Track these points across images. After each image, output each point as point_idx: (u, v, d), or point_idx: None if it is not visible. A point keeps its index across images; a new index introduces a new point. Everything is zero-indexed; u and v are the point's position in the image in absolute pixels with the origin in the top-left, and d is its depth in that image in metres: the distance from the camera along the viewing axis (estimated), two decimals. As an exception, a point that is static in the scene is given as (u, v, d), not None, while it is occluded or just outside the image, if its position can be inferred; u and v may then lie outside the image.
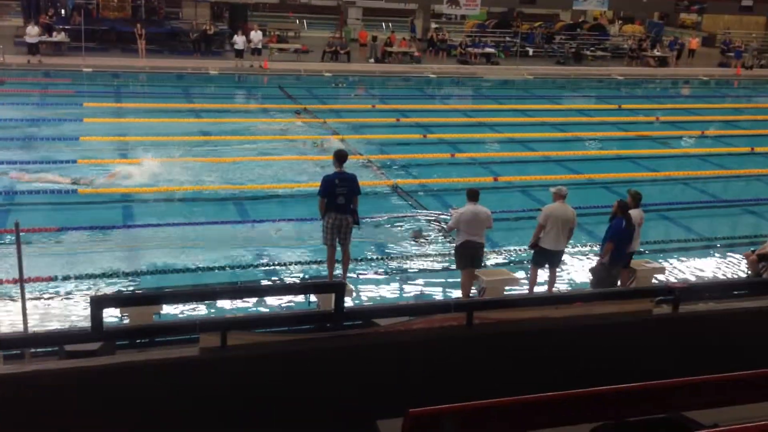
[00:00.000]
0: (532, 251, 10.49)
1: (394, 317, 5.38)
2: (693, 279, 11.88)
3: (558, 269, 10.71)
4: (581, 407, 4.47)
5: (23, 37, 27.45)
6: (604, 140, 21.78)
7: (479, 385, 4.56)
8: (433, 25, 37.18)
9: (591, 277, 10.32)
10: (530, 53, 35.79)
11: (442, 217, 13.64)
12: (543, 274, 10.62)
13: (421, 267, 11.84)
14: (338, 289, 4.84)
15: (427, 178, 16.78)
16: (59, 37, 27.77)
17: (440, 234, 13.02)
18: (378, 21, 39.55)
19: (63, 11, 30.12)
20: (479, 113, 24.54)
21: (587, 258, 12.28)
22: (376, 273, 11.50)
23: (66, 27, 28.35)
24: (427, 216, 14.03)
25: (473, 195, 10.14)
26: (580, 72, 33.52)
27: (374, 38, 32.90)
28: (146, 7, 31.03)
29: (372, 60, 31.80)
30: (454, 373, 4.84)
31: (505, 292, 10.09)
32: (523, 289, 10.59)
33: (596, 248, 11.81)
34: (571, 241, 10.77)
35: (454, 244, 10.22)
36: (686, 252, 13.19)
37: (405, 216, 14.05)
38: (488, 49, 33.96)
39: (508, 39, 36.66)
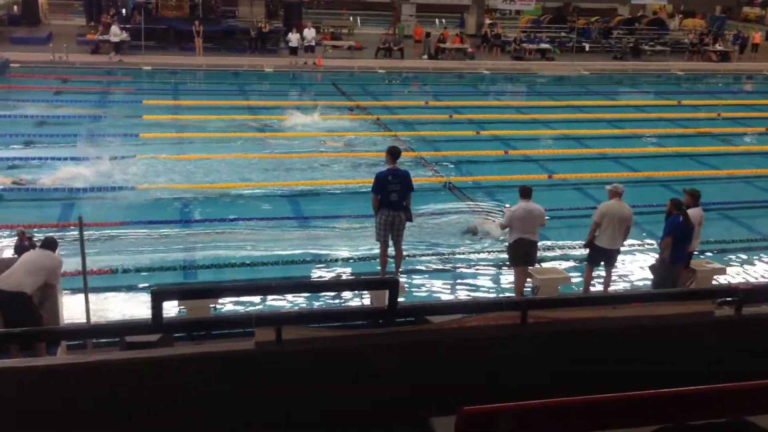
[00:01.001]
0: (587, 250, 10.33)
1: (446, 315, 5.35)
2: (755, 280, 11.53)
3: (613, 268, 10.52)
4: (639, 410, 4.38)
5: (88, 36, 28.26)
6: (662, 137, 21.31)
7: (533, 385, 4.51)
8: (487, 21, 36.89)
9: (652, 276, 10.12)
10: (586, 49, 35.20)
11: (495, 214, 13.53)
12: (594, 273, 10.46)
13: (474, 264, 11.77)
14: (392, 285, 4.84)
15: (480, 175, 16.68)
16: (123, 35, 28.46)
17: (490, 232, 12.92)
18: (431, 17, 39.41)
19: (124, 11, 30.89)
20: (533, 110, 24.27)
21: (644, 257, 12.04)
22: (427, 270, 11.49)
23: (126, 26, 29.06)
24: (480, 213, 13.94)
25: (526, 192, 10.04)
26: (638, 67, 32.84)
27: (428, 34, 32.82)
28: (204, 6, 31.58)
29: (425, 56, 31.73)
30: (508, 371, 4.79)
31: (558, 291, 9.99)
32: (577, 288, 10.45)
33: (654, 247, 11.59)
34: (627, 240, 10.58)
35: (507, 242, 10.13)
36: (748, 252, 12.80)
37: (457, 213, 13.98)
38: (543, 45, 33.53)
39: (563, 34, 36.15)
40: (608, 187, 10.31)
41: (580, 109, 24.55)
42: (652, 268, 10.23)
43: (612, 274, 10.46)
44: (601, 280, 10.44)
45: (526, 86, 29.98)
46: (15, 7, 33.66)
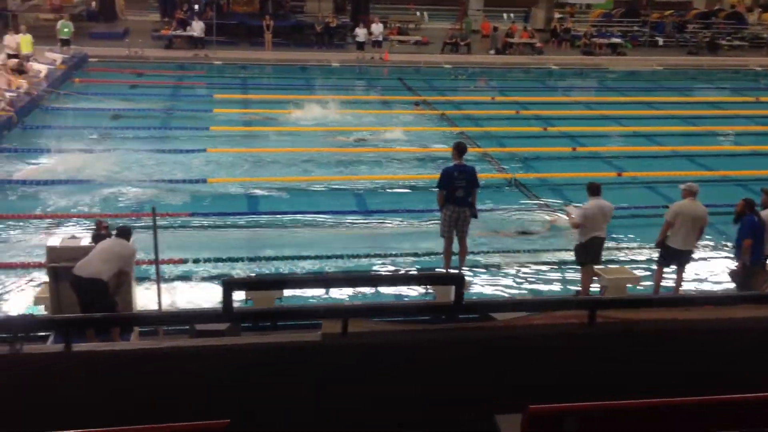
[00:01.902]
0: (659, 250, 10.08)
1: (512, 312, 5.31)
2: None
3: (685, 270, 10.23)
4: (710, 414, 4.27)
5: (160, 32, 29.04)
6: (739, 135, 20.57)
7: (600, 386, 4.44)
8: (557, 15, 36.28)
9: (733, 282, 9.80)
10: (660, 43, 34.24)
11: (562, 211, 13.31)
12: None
13: (537, 262, 11.62)
14: (458, 281, 4.83)
15: (547, 171, 16.44)
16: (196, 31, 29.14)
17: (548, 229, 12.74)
18: (498, 12, 39.00)
19: (196, 6, 31.60)
20: (603, 106, 23.77)
21: (719, 259, 11.67)
22: (491, 266, 11.40)
23: (199, 21, 29.70)
24: (546, 210, 13.74)
25: (596, 189, 9.84)
26: (714, 63, 31.75)
27: (495, 29, 32.50)
28: (273, 1, 32.03)
29: (493, 51, 31.43)
30: (575, 371, 4.72)
31: (626, 291, 9.78)
32: (646, 289, 10.20)
33: (729, 247, 11.21)
34: (700, 242, 10.27)
35: (578, 241, 9.91)
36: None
37: (522, 210, 13.83)
38: (615, 39, 32.78)
39: (636, 28, 35.24)
40: (682, 186, 10.03)
41: (652, 105, 23.91)
42: (731, 274, 9.90)
43: (684, 275, 10.16)
44: (672, 282, 10.16)
45: (595, 82, 29.38)
46: (93, 4, 34.86)
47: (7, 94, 18.30)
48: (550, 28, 34.31)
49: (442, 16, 39.06)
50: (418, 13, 38.69)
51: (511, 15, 38.74)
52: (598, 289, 9.97)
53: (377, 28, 29.55)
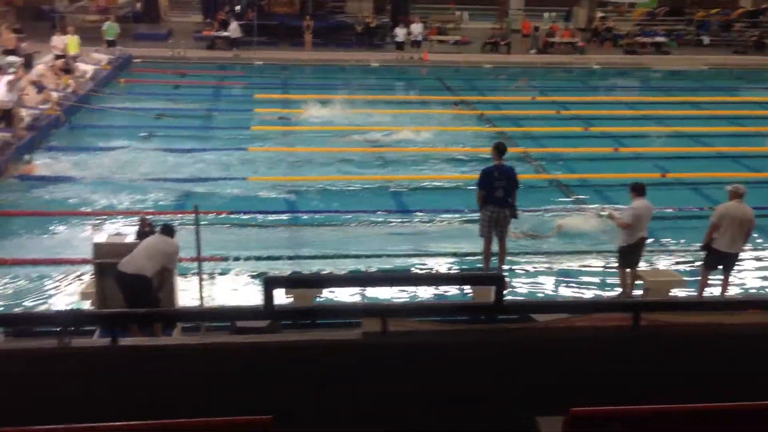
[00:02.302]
0: (704, 252, 9.89)
1: (553, 314, 5.26)
2: None
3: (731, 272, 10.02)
4: (756, 421, 4.17)
5: (202, 32, 29.44)
6: (787, 136, 20.08)
7: (644, 390, 4.38)
8: (599, 14, 35.81)
9: None
10: (705, 42, 33.56)
11: (604, 213, 13.14)
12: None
13: (577, 263, 11.49)
14: (498, 281, 4.79)
15: (588, 172, 16.26)
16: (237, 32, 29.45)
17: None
18: (539, 11, 38.62)
19: (238, 7, 31.95)
20: (646, 105, 23.42)
21: (766, 261, 11.41)
22: (531, 267, 11.31)
23: (240, 22, 30.05)
24: (586, 211, 13.58)
25: (642, 189, 9.70)
26: (761, 62, 31.02)
27: (536, 28, 32.23)
28: (313, 2, 32.22)
29: (533, 51, 31.18)
30: (617, 374, 4.65)
31: (670, 294, 9.62)
32: (690, 292, 10.02)
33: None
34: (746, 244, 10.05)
35: (623, 242, 9.72)
36: None
37: (563, 211, 13.69)
38: (659, 38, 32.25)
39: (680, 27, 34.60)
40: (729, 187, 9.82)
41: (697, 105, 23.47)
42: None
43: (730, 278, 9.96)
44: (719, 285, 9.97)
45: (639, 81, 28.95)
46: (138, 5, 35.48)
47: (55, 94, 18.73)
48: (592, 27, 33.89)
49: (482, 16, 38.84)
50: (457, 13, 38.51)
51: (552, 14, 38.33)
52: (641, 292, 9.83)
53: (417, 27, 29.52)
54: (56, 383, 4.24)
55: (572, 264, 11.47)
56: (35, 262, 10.66)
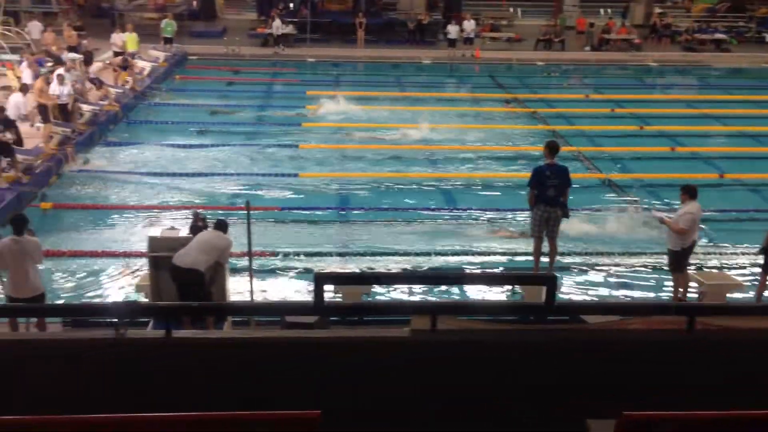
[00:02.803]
0: (763, 256, 9.60)
1: (605, 316, 5.17)
2: None
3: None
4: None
5: (258, 29, 29.80)
6: None
7: (698, 395, 4.27)
8: (657, 10, 35.03)
9: None
10: (767, 39, 32.53)
11: (659, 215, 12.86)
12: None
13: (629, 264, 11.27)
14: (550, 282, 4.73)
15: (643, 172, 15.93)
16: (287, 29, 29.76)
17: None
18: (595, 7, 37.96)
19: (292, 5, 32.25)
20: (705, 104, 22.80)
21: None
22: (581, 268, 11.14)
23: (294, 20, 30.35)
24: (641, 212, 13.31)
25: (695, 192, 9.46)
26: (826, 60, 29.95)
27: (591, 25, 31.71)
28: (366, -1, 32.35)
29: (588, 48, 30.69)
30: (671, 379, 4.55)
31: (727, 298, 9.37)
32: (748, 296, 9.74)
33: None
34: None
35: (676, 246, 9.48)
36: None
37: (616, 211, 13.45)
38: (719, 35, 31.38)
39: (742, 24, 33.61)
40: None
41: (758, 104, 22.76)
42: None
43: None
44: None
45: (697, 79, 28.21)
46: (194, 3, 36.11)
47: (113, 90, 19.20)
48: (650, 23, 33.17)
49: (535, 13, 38.38)
50: (511, 10, 38.16)
51: (609, 10, 37.66)
52: (696, 296, 9.60)
53: (469, 24, 29.32)
54: (111, 373, 4.35)
55: (623, 265, 11.25)
56: (92, 255, 10.95)
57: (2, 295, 8.32)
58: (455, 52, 28.67)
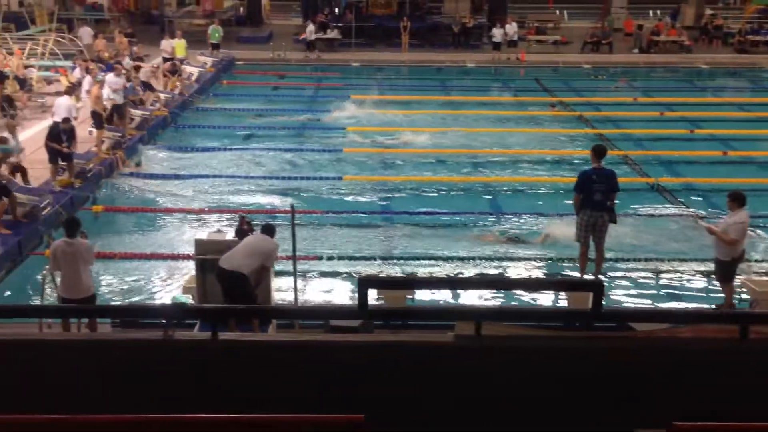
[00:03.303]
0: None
1: (654, 323, 5.07)
2: None
3: None
4: None
5: (301, 35, 30.09)
6: None
7: (750, 406, 4.15)
8: (708, 11, 34.30)
9: None
10: (823, 40, 31.59)
11: (706, 225, 12.56)
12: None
13: (678, 271, 11.03)
14: (596, 288, 4.65)
15: (693, 176, 15.58)
16: (332, 34, 29.98)
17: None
18: (644, 9, 37.36)
19: (337, 10, 32.48)
20: (759, 107, 22.21)
21: None
22: (629, 274, 10.95)
23: (339, 24, 30.55)
24: (690, 217, 13.04)
25: (744, 200, 9.16)
26: None
27: (639, 27, 31.20)
28: (411, 3, 32.37)
29: (636, 50, 30.21)
30: (723, 388, 4.43)
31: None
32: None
33: None
34: None
35: (725, 257, 9.19)
36: None
37: (665, 216, 13.20)
38: (772, 36, 30.59)
39: (797, 24, 32.72)
40: None
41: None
42: None
43: None
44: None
45: (750, 82, 27.54)
46: (241, 9, 36.65)
47: (162, 96, 19.57)
48: (701, 24, 32.50)
49: (582, 15, 37.95)
50: (557, 12, 37.79)
51: (658, 12, 37.01)
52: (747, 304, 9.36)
53: (512, 27, 29.15)
54: (159, 374, 4.42)
55: (673, 271, 11.02)
56: (141, 257, 11.16)
57: (53, 296, 8.53)
58: (500, 56, 28.50)
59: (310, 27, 28.77)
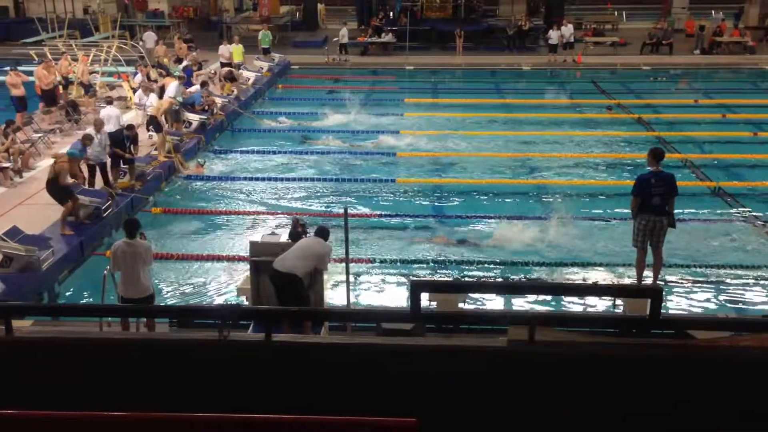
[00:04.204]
0: None
1: (716, 331, 4.93)
2: None
3: None
4: None
5: (357, 39, 30.30)
6: None
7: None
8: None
9: None
10: None
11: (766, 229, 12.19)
12: None
13: (740, 278, 10.69)
14: (655, 294, 4.55)
15: (756, 180, 15.10)
16: (387, 38, 30.08)
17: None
18: (706, 9, 36.39)
19: (391, 14, 32.58)
20: (826, 109, 21.41)
21: None
22: (688, 281, 10.67)
23: (393, 28, 30.64)
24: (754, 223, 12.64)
25: None
26: None
27: (701, 28, 30.42)
28: (466, 6, 32.25)
29: (697, 51, 29.46)
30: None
31: None
32: None
33: None
34: None
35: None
36: None
37: (726, 221, 12.83)
38: (841, 36, 29.46)
39: None
40: None
41: None
42: None
43: None
44: None
45: (818, 83, 26.57)
46: (298, 14, 37.08)
47: (219, 100, 19.92)
48: (765, 25, 31.50)
49: (641, 16, 37.19)
50: (615, 13, 37.12)
51: (720, 12, 36.01)
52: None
53: (570, 29, 28.76)
54: (214, 374, 4.50)
55: (734, 278, 10.70)
56: (197, 258, 11.37)
57: (113, 295, 8.75)
58: (556, 58, 28.15)
59: (343, 30, 29.10)
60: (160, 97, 17.10)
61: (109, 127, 13.93)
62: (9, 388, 4.37)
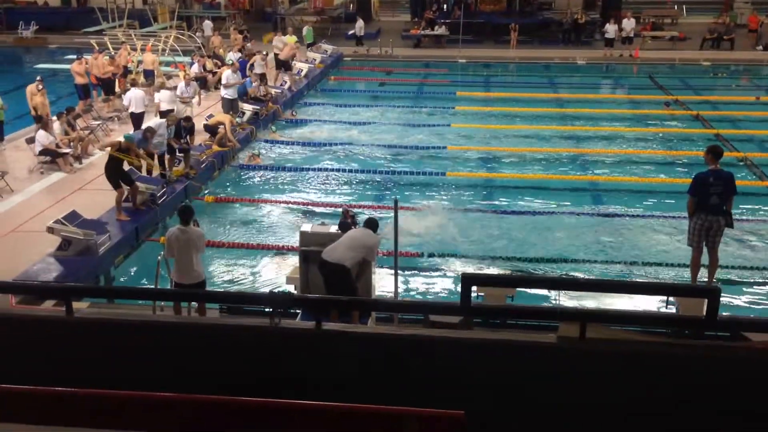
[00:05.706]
0: None
1: (772, 334, 4.80)
2: None
3: None
4: None
5: (410, 31, 30.20)
6: None
7: None
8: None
9: None
10: None
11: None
12: None
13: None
14: (712, 294, 4.45)
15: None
16: (440, 30, 29.93)
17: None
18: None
19: (445, 6, 32.40)
20: None
21: None
22: (743, 281, 10.38)
23: (446, 21, 30.47)
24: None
25: None
26: None
27: (764, 23, 29.47)
28: (520, -1, 31.94)
29: (760, 47, 28.56)
30: None
31: None
32: None
33: None
34: None
35: None
36: None
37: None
38: None
39: None
40: None
41: None
42: None
43: None
44: None
45: None
46: (351, 6, 37.17)
47: (273, 90, 20.12)
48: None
49: (702, 10, 36.22)
50: (675, 7, 36.23)
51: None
52: None
53: (629, 23, 28.17)
54: (265, 360, 4.57)
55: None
56: (248, 247, 11.53)
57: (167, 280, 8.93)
58: (612, 52, 27.63)
59: (360, 23, 28.98)
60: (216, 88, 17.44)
61: (133, 110, 14.33)
62: (69, 366, 4.51)
